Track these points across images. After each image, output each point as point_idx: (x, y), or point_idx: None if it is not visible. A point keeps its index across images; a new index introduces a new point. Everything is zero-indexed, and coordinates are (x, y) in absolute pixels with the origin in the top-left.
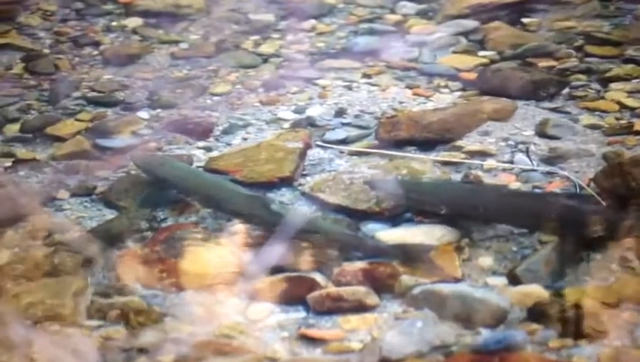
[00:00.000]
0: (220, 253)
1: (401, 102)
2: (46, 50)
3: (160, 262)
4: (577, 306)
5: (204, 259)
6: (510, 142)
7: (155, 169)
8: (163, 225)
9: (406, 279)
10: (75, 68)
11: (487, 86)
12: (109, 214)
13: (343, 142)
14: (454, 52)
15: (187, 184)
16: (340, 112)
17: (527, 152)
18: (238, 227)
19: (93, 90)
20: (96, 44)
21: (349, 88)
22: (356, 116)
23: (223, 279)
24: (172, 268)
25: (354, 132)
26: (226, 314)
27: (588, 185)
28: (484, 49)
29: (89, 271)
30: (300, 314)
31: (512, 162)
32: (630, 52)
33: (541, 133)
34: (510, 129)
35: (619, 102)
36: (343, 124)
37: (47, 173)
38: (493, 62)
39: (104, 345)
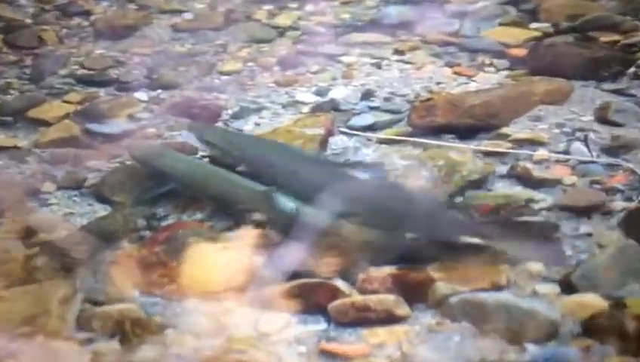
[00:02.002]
0: (229, 256)
1: (438, 83)
2: (29, 21)
3: (160, 265)
4: None
5: (210, 262)
6: (566, 130)
7: (153, 161)
8: (164, 223)
9: (441, 286)
10: (63, 41)
11: (539, 64)
12: (102, 210)
13: (371, 128)
14: (501, 24)
15: (189, 178)
16: (368, 94)
17: (585, 141)
18: (251, 226)
19: (84, 67)
20: (87, 13)
21: (378, 67)
22: (386, 99)
23: (232, 285)
24: (174, 273)
25: (383, 117)
26: (235, 326)
27: None
28: (536, 20)
29: (78, 275)
30: (320, 325)
31: (567, 152)
32: None
33: (602, 118)
34: (566, 114)
35: None
36: (371, 108)
37: (30, 162)
38: (546, 35)
39: (96, 360)
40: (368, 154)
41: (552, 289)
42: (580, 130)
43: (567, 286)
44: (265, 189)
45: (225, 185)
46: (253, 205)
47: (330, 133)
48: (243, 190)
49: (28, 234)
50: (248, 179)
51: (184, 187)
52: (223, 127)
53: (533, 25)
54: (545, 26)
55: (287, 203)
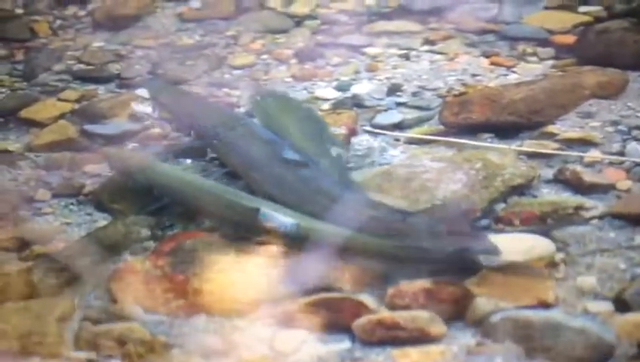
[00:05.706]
0: (241, 268)
1: (473, 75)
2: (19, 10)
3: (165, 279)
4: None
5: (220, 275)
6: (620, 128)
7: (135, 174)
8: (169, 233)
9: (482, 302)
10: (57, 33)
11: (589, 52)
12: (102, 219)
13: (398, 127)
14: (546, 7)
15: (175, 194)
16: (394, 89)
17: None
18: (264, 235)
19: (80, 62)
20: (83, 2)
21: (407, 58)
22: (415, 94)
23: (244, 300)
24: (181, 287)
25: (412, 114)
26: (248, 345)
27: None
28: (586, 3)
29: (77, 291)
30: (343, 345)
31: (622, 154)
32: None
33: None
34: (621, 109)
35: None
36: (398, 104)
37: (23, 167)
38: (598, 20)
39: None
40: (395, 155)
41: (605, 307)
42: (637, 128)
43: (622, 305)
44: (251, 206)
45: (213, 202)
46: (245, 222)
47: (353, 133)
48: (231, 207)
49: (21, 246)
50: (242, 191)
51: (173, 201)
52: (182, 89)
53: (583, 8)
54: (596, 9)
55: (283, 219)
